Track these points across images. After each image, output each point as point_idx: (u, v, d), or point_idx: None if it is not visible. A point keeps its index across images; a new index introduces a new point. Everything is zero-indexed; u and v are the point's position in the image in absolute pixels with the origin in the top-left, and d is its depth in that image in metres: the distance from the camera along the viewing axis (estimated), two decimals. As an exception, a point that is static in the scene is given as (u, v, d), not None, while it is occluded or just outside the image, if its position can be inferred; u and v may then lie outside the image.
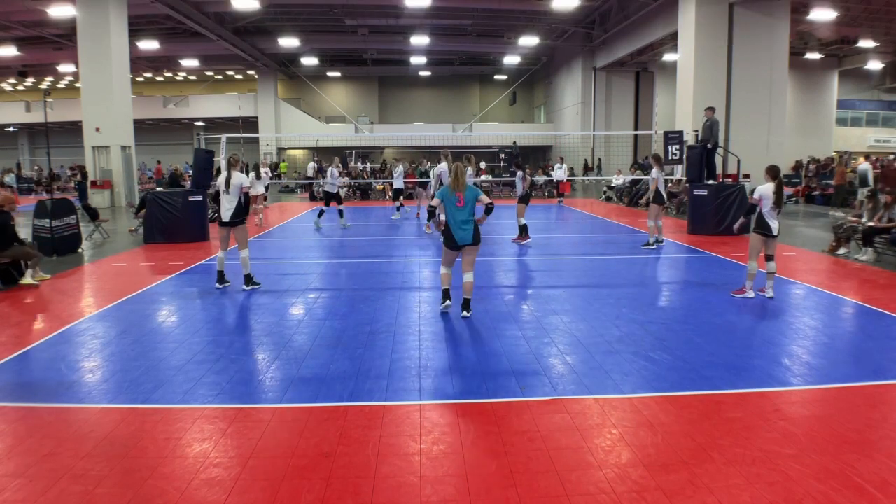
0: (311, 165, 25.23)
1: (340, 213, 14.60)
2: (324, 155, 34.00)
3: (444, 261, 6.60)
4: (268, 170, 22.43)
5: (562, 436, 3.72)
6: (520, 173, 11.71)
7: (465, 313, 6.41)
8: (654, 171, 10.92)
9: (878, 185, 15.13)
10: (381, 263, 9.81)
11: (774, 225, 6.98)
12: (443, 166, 11.76)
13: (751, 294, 7.11)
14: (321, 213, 14.72)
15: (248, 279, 7.83)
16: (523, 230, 11.55)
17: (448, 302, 6.59)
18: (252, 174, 14.31)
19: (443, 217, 6.43)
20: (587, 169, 29.72)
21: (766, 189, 6.98)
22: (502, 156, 26.13)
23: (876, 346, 5.41)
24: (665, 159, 16.46)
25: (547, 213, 17.87)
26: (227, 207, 7.69)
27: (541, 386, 4.52)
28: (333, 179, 14.58)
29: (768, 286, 7.14)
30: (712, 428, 3.81)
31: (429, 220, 10.33)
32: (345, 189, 24.26)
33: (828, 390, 4.46)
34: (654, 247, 10.84)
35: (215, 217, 8.15)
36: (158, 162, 30.56)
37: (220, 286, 7.97)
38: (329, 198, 14.61)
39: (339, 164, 16.43)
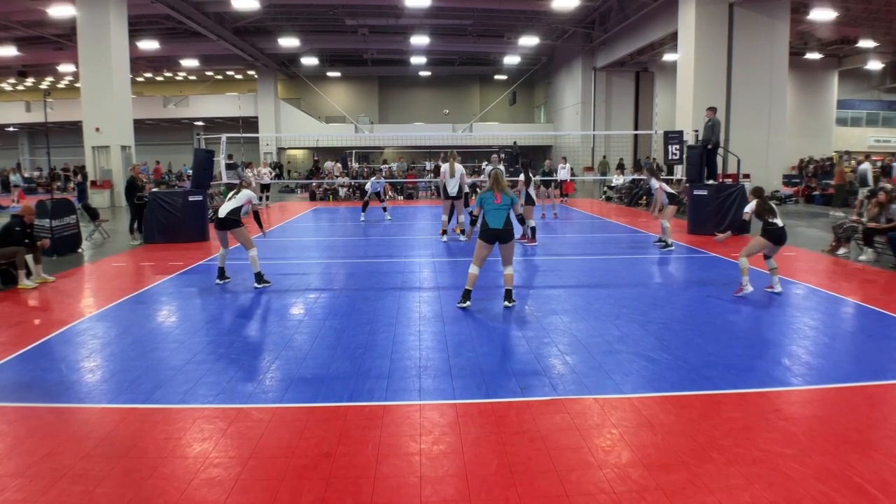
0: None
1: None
2: (323, 155, 34.02)
3: (476, 257, 6.78)
4: (269, 170, 22.47)
5: (562, 436, 3.72)
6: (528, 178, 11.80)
7: (506, 303, 6.79)
8: (654, 182, 11.13)
9: (877, 184, 15.15)
10: (381, 263, 9.81)
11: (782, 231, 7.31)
12: (445, 168, 11.86)
13: (749, 288, 7.20)
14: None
15: (259, 277, 7.98)
16: (532, 232, 11.56)
17: (468, 303, 6.73)
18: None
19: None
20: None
21: (752, 205, 7.45)
22: (502, 156, 26.08)
23: (876, 346, 5.41)
24: (665, 159, 16.49)
25: (547, 213, 17.85)
26: (226, 207, 7.95)
27: (541, 386, 4.52)
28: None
29: (775, 282, 7.41)
30: (712, 428, 3.81)
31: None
32: (345, 189, 24.28)
33: (828, 390, 4.46)
34: (673, 248, 10.80)
35: (214, 217, 8.31)
36: (157, 162, 30.51)
37: (220, 282, 8.19)
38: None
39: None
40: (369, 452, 3.54)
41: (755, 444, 3.59)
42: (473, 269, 6.77)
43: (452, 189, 11.67)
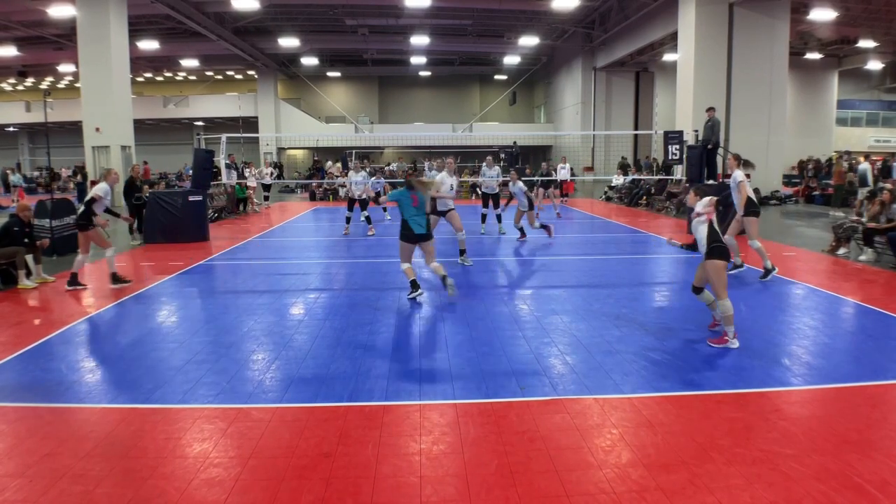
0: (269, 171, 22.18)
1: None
2: (323, 155, 34.02)
3: (403, 257, 7.23)
4: (270, 169, 22.45)
5: (562, 436, 3.72)
6: (520, 185, 11.57)
7: (448, 282, 6.88)
8: (738, 173, 8.11)
9: (877, 184, 15.14)
10: (381, 263, 9.80)
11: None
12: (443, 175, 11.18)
13: (735, 343, 5.39)
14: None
15: (114, 278, 8.03)
16: (522, 231, 11.79)
17: (420, 291, 7.12)
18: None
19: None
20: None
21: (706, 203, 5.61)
22: (502, 156, 26.09)
23: (876, 346, 5.41)
24: (665, 159, 16.46)
25: (548, 213, 17.86)
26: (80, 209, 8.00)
27: (541, 386, 4.52)
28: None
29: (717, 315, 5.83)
30: (712, 428, 3.81)
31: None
32: (345, 189, 24.26)
33: (828, 390, 4.46)
34: (743, 268, 8.42)
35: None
36: (145, 162, 30.29)
37: (115, 285, 8.00)
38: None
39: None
40: (369, 452, 3.54)
41: (755, 444, 3.59)
42: (406, 265, 7.22)
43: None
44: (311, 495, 3.11)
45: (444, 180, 9.92)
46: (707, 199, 5.56)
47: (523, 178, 12.51)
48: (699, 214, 5.57)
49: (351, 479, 3.26)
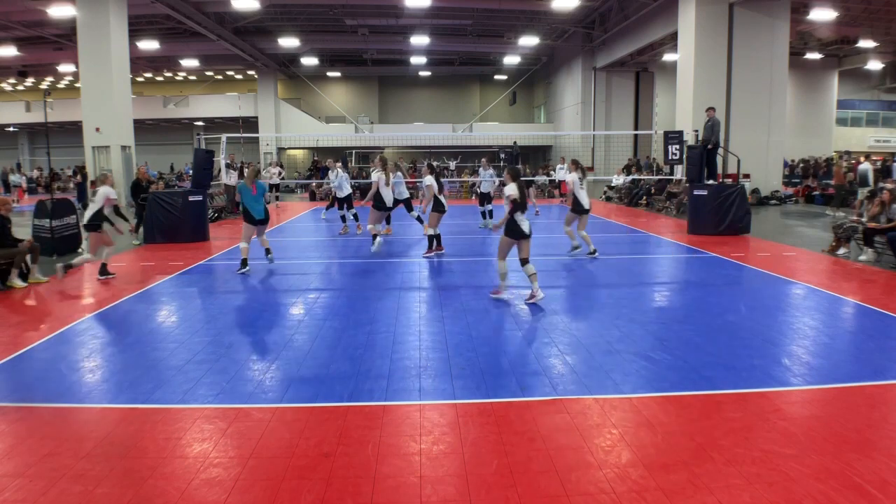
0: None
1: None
2: (323, 155, 34.01)
3: (245, 236, 8.82)
4: (277, 170, 22.50)
5: (562, 436, 3.72)
6: (429, 179, 10.40)
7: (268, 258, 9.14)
8: (569, 175, 9.79)
9: (877, 184, 15.14)
10: (381, 263, 9.80)
11: (526, 225, 6.81)
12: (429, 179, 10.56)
13: (504, 294, 7.09)
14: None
15: (104, 269, 8.49)
16: (437, 240, 10.28)
17: (247, 268, 8.74)
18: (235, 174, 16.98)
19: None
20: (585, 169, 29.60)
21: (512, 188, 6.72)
22: (502, 156, 26.08)
23: (876, 346, 5.41)
24: (665, 159, 16.47)
25: (548, 213, 17.88)
26: (88, 211, 8.31)
27: (541, 386, 4.52)
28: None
29: (536, 289, 6.93)
30: (712, 428, 3.81)
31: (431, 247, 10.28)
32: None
33: (828, 390, 4.46)
34: (579, 248, 10.10)
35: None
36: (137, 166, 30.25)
37: (103, 277, 8.48)
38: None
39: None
40: (369, 452, 3.54)
41: (755, 444, 3.59)
42: (245, 244, 8.82)
43: (388, 199, 10.47)
44: (311, 495, 3.11)
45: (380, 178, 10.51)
46: (511, 187, 6.60)
47: (524, 178, 12.45)
48: (508, 197, 6.59)
49: (351, 479, 3.26)
